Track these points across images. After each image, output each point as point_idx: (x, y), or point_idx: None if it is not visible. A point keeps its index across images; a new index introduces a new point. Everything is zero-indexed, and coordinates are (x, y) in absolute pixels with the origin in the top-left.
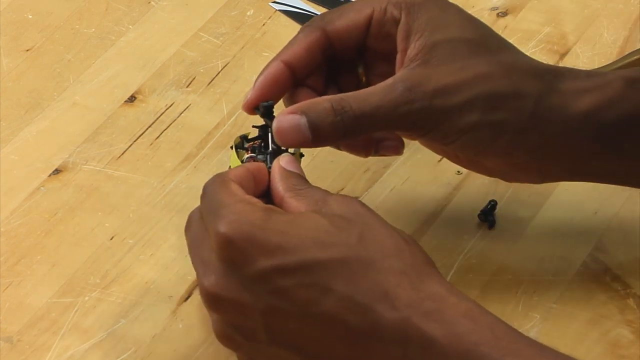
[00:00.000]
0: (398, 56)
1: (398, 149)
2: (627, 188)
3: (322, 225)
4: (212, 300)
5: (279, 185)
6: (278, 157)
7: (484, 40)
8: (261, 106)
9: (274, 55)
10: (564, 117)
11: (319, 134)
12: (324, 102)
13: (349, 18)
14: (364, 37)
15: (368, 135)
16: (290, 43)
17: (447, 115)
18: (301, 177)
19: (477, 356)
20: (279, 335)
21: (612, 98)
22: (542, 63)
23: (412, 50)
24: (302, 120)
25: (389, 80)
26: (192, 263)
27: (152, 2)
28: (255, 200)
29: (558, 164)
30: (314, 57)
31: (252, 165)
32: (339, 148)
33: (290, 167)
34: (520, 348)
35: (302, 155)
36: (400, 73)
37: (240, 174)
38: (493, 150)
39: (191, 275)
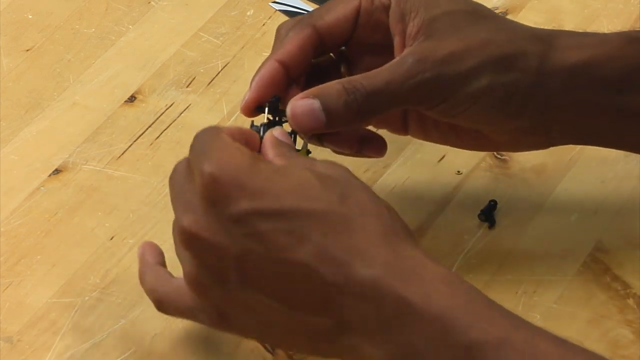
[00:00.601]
0: (396, 39)
1: (381, 150)
2: (627, 188)
3: (308, 178)
4: (189, 239)
5: (269, 152)
6: (271, 129)
7: (479, 10)
8: (269, 102)
9: None
10: (565, 72)
11: (333, 116)
12: (334, 84)
13: (337, 11)
14: (352, 30)
15: (354, 131)
16: (282, 42)
17: (458, 82)
18: (292, 146)
19: (450, 319)
20: (252, 280)
21: (611, 54)
22: (538, 28)
23: (411, 29)
24: (316, 104)
25: (397, 58)
26: (173, 205)
27: (152, 2)
28: (244, 148)
29: (564, 124)
30: (306, 54)
31: (247, 129)
32: (322, 145)
33: (282, 138)
34: (495, 316)
35: (309, 152)
36: (406, 50)
37: (233, 130)
38: (502, 115)
39: None
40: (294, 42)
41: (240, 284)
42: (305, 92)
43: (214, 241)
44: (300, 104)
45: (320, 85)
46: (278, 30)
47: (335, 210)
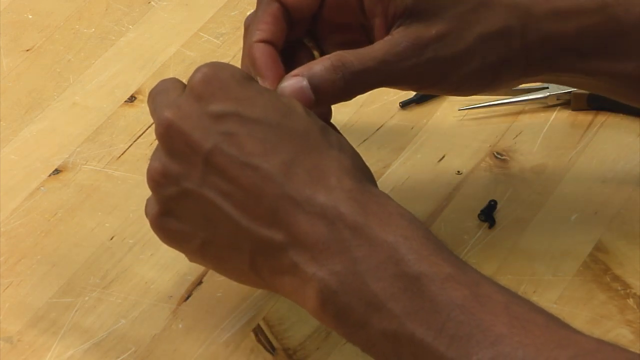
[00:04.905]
0: (377, 21)
1: None
2: (627, 188)
3: (296, 105)
4: (166, 130)
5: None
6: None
7: None
8: None
9: None
10: (542, 43)
11: (321, 94)
12: (324, 61)
13: None
14: (319, 6)
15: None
16: (255, 21)
17: (451, 66)
18: None
19: (404, 249)
20: (214, 178)
21: (586, 23)
22: None
23: (394, 9)
24: (304, 82)
25: (388, 37)
26: (153, 108)
27: (152, 2)
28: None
29: (540, 80)
30: (281, 27)
31: None
32: None
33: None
34: (447, 257)
35: None
36: (397, 31)
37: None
38: (483, 86)
39: (191, 275)
40: (267, 19)
41: (201, 181)
42: (296, 70)
43: (190, 133)
44: (289, 83)
45: (310, 63)
46: (245, 24)
47: (314, 136)
